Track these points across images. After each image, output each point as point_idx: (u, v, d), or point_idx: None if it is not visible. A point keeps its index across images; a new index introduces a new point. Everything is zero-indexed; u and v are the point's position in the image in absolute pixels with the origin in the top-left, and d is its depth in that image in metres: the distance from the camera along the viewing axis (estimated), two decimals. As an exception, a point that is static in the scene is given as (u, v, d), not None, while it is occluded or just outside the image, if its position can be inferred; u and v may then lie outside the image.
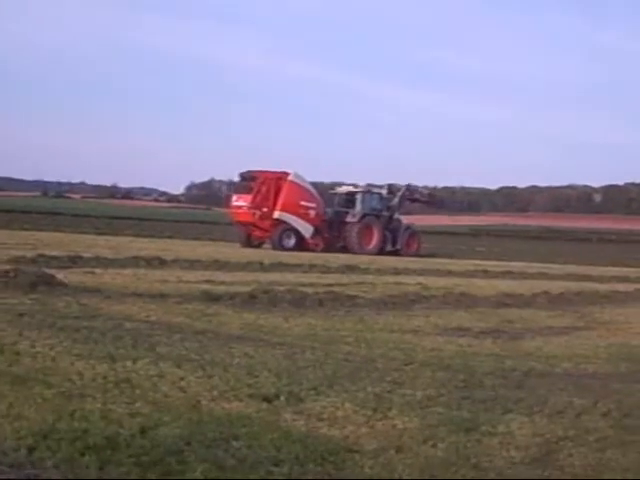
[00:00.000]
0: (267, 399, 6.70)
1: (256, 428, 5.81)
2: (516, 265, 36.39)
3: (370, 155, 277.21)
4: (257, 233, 39.75)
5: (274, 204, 38.81)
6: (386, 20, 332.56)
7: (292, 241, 38.98)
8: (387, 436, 5.96)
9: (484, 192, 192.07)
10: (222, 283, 17.19)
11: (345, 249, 40.01)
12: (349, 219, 40.92)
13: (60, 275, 15.17)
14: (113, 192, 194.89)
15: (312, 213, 39.69)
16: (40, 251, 21.30)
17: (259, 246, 39.29)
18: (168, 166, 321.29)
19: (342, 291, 16.78)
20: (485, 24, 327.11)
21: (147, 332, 9.81)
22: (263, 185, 39.09)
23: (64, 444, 5.05)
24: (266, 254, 30.15)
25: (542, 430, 6.36)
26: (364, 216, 41.14)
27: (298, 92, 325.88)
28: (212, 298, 14.26)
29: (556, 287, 22.03)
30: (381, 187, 44.84)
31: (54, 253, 21.22)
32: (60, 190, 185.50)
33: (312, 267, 24.43)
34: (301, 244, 39.04)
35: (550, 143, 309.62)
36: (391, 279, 21.96)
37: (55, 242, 28.00)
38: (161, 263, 21.53)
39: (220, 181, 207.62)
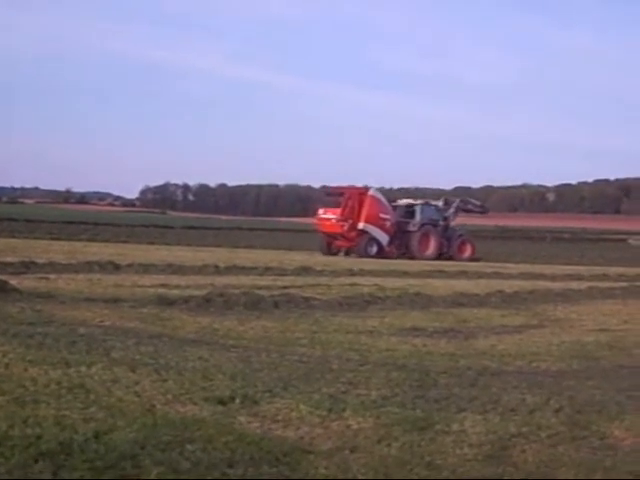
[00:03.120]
0: (222, 402, 6.70)
1: (211, 431, 5.81)
2: (471, 265, 36.63)
3: (327, 157, 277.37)
4: (339, 242, 43.05)
5: (358, 216, 42.13)
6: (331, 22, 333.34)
7: (374, 249, 42.19)
8: (342, 436, 5.99)
9: (439, 193, 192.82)
10: (177, 287, 17.15)
11: (408, 255, 42.90)
12: (410, 228, 43.98)
13: (14, 281, 15.04)
14: (67, 197, 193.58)
15: (388, 224, 42.94)
16: (-7, 257, 21.13)
17: (336, 254, 42.42)
18: (123, 170, 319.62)
19: (297, 293, 16.83)
20: (438, 24, 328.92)
21: (101, 337, 9.76)
22: (350, 199, 42.39)
23: (17, 450, 5.01)
24: (220, 258, 30.07)
25: (495, 428, 6.42)
26: (422, 225, 44.28)
27: (250, 95, 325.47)
28: (167, 302, 14.24)
29: (510, 286, 22.21)
30: (438, 200, 48.73)
31: (8, 259, 21.03)
32: (13, 195, 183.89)
33: (267, 270, 24.40)
34: (380, 252, 41.95)
35: (503, 143, 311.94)
36: (346, 281, 22.00)
37: (9, 248, 27.67)
38: (115, 268, 21.40)
39: (175, 184, 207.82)
